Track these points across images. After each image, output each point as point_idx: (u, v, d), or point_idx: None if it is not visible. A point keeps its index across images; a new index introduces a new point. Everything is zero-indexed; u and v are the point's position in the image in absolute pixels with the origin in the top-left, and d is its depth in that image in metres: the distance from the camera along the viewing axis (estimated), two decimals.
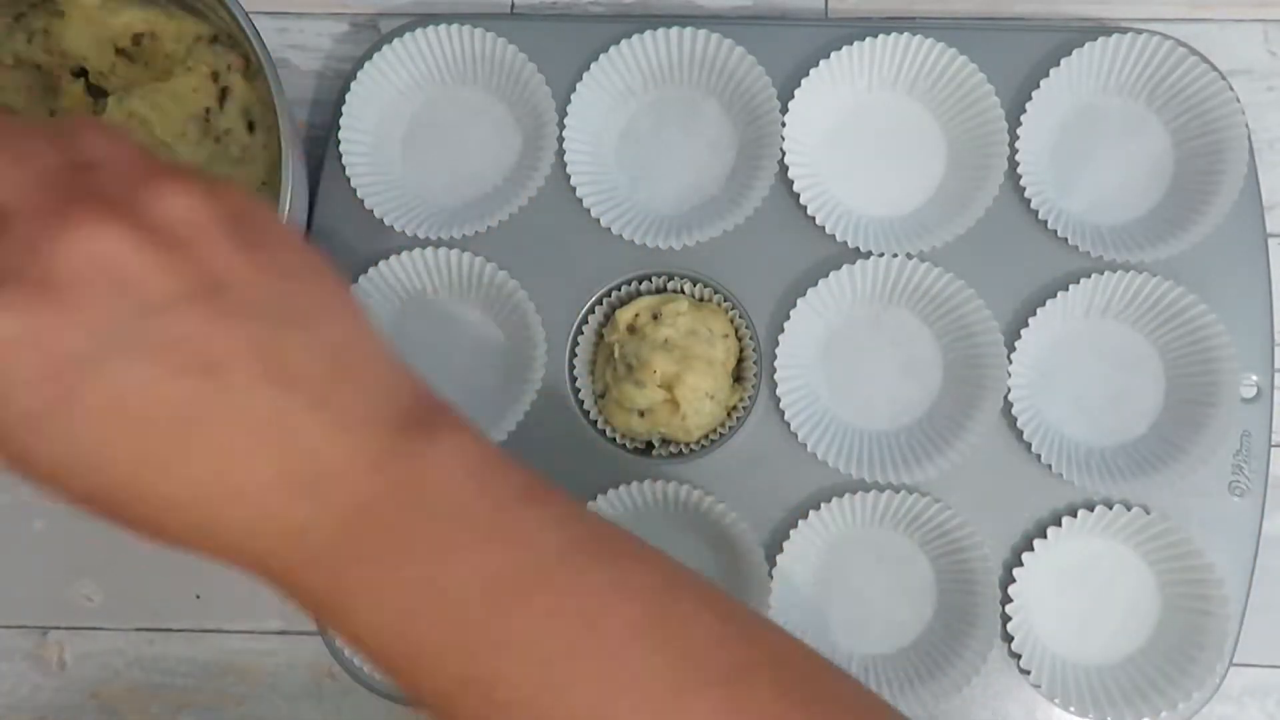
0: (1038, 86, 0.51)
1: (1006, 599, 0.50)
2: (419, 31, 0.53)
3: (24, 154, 0.26)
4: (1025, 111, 0.51)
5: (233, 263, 0.26)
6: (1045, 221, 0.51)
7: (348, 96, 0.52)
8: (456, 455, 0.28)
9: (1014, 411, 0.51)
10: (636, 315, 0.51)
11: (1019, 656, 0.50)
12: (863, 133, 0.53)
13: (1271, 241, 0.51)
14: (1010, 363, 0.51)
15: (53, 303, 0.24)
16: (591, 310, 0.53)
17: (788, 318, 0.51)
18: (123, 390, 0.25)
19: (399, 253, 0.52)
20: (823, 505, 0.51)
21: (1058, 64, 0.51)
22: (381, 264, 0.52)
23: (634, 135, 0.54)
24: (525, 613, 0.28)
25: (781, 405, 0.51)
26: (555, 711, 0.28)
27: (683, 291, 0.53)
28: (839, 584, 0.52)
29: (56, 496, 0.27)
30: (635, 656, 0.28)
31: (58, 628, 0.55)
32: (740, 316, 0.52)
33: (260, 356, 0.26)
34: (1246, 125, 0.50)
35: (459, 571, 0.28)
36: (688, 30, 0.52)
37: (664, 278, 0.53)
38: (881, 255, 0.51)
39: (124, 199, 0.26)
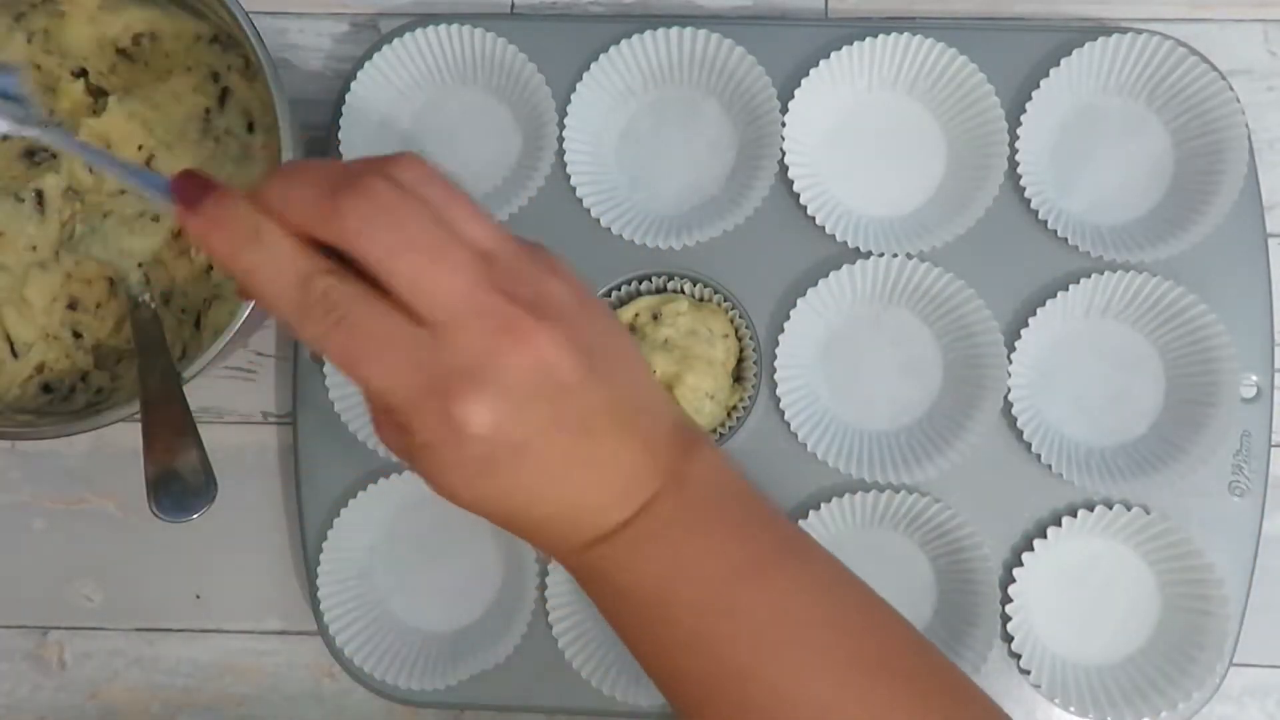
0: (1038, 86, 0.51)
1: (1006, 599, 0.50)
2: (419, 31, 0.53)
3: (454, 264, 0.32)
4: (1025, 111, 0.51)
5: (591, 335, 0.34)
6: (1045, 221, 0.51)
7: (348, 97, 0.52)
8: (710, 466, 0.37)
9: (1014, 411, 0.51)
10: (636, 315, 0.51)
11: (1019, 656, 0.50)
12: (863, 133, 0.53)
13: (1271, 241, 0.51)
14: (1010, 363, 0.51)
15: (510, 404, 0.32)
16: None
17: (788, 318, 0.51)
18: (537, 454, 0.33)
19: None
20: (823, 505, 0.51)
21: (1058, 64, 0.51)
22: None
23: (634, 135, 0.54)
24: (751, 590, 0.36)
25: (781, 405, 0.51)
26: (766, 671, 0.35)
27: (683, 291, 0.53)
28: None
29: (471, 511, 0.35)
30: (833, 642, 0.36)
31: (58, 628, 0.55)
32: (740, 316, 0.52)
33: (611, 412, 0.34)
34: (1246, 125, 0.50)
35: (706, 552, 0.36)
36: (688, 30, 0.52)
37: (664, 278, 0.53)
38: (881, 255, 0.51)
39: (534, 295, 0.33)
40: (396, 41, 0.53)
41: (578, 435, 0.34)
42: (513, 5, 0.56)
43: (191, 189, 0.33)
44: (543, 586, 0.51)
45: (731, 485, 0.38)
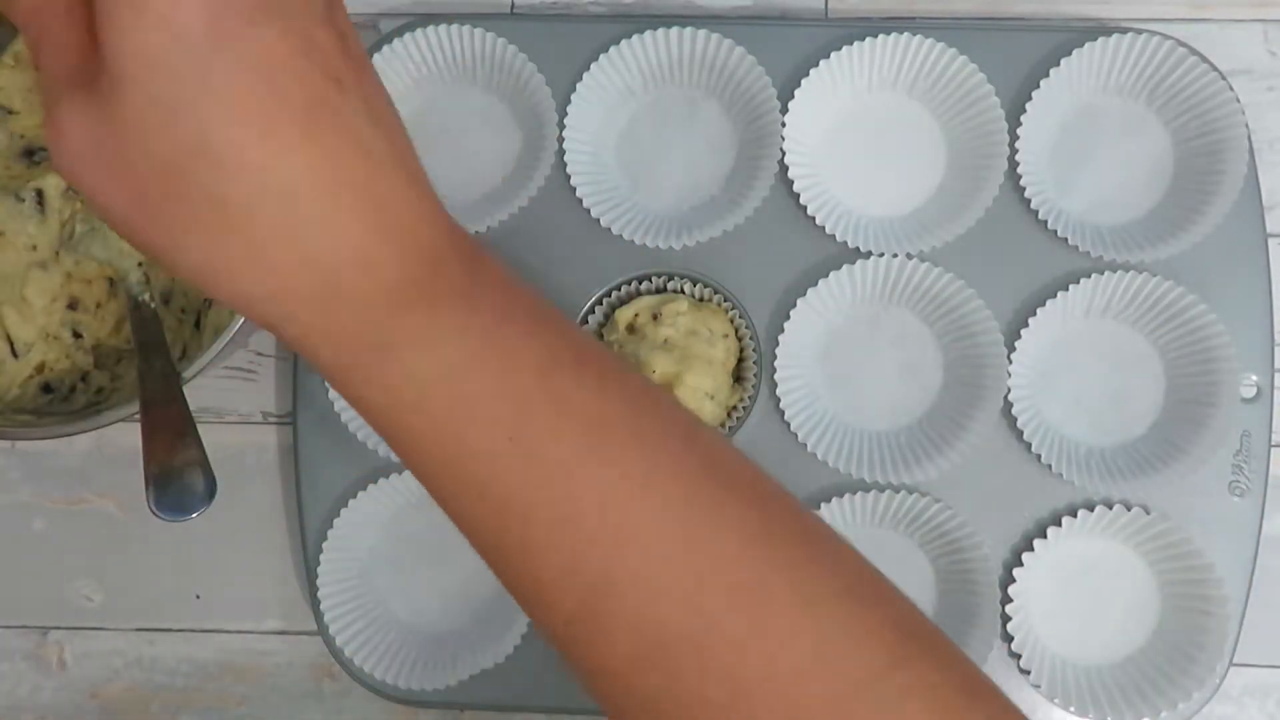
0: (1038, 86, 0.51)
1: (1006, 599, 0.50)
2: (419, 31, 0.53)
3: None
4: (1025, 111, 0.51)
5: (351, 47, 0.27)
6: (1045, 221, 0.51)
7: None
8: (499, 263, 0.30)
9: (1014, 411, 0.51)
10: (636, 315, 0.51)
11: (1019, 656, 0.50)
12: (863, 133, 0.53)
13: (1271, 241, 0.51)
14: (1010, 363, 0.51)
15: None
16: (591, 310, 0.53)
17: (788, 318, 0.51)
18: (274, 52, 0.25)
19: None
20: (823, 505, 0.51)
21: (1058, 64, 0.51)
22: None
23: (634, 135, 0.54)
24: (579, 383, 0.29)
25: (781, 405, 0.51)
26: (598, 479, 0.28)
27: (683, 291, 0.53)
28: None
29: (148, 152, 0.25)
30: (674, 448, 0.30)
31: (58, 628, 0.55)
32: (740, 316, 0.52)
33: (368, 101, 0.27)
34: (1246, 125, 0.50)
35: (518, 334, 0.29)
36: (688, 30, 0.52)
37: (664, 278, 0.53)
38: (881, 255, 0.51)
39: None
40: (396, 41, 0.53)
41: (328, 80, 0.26)
42: (513, 5, 0.56)
43: None
44: None
45: (524, 287, 0.31)
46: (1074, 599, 0.51)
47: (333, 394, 0.51)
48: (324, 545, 0.52)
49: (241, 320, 0.44)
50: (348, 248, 0.27)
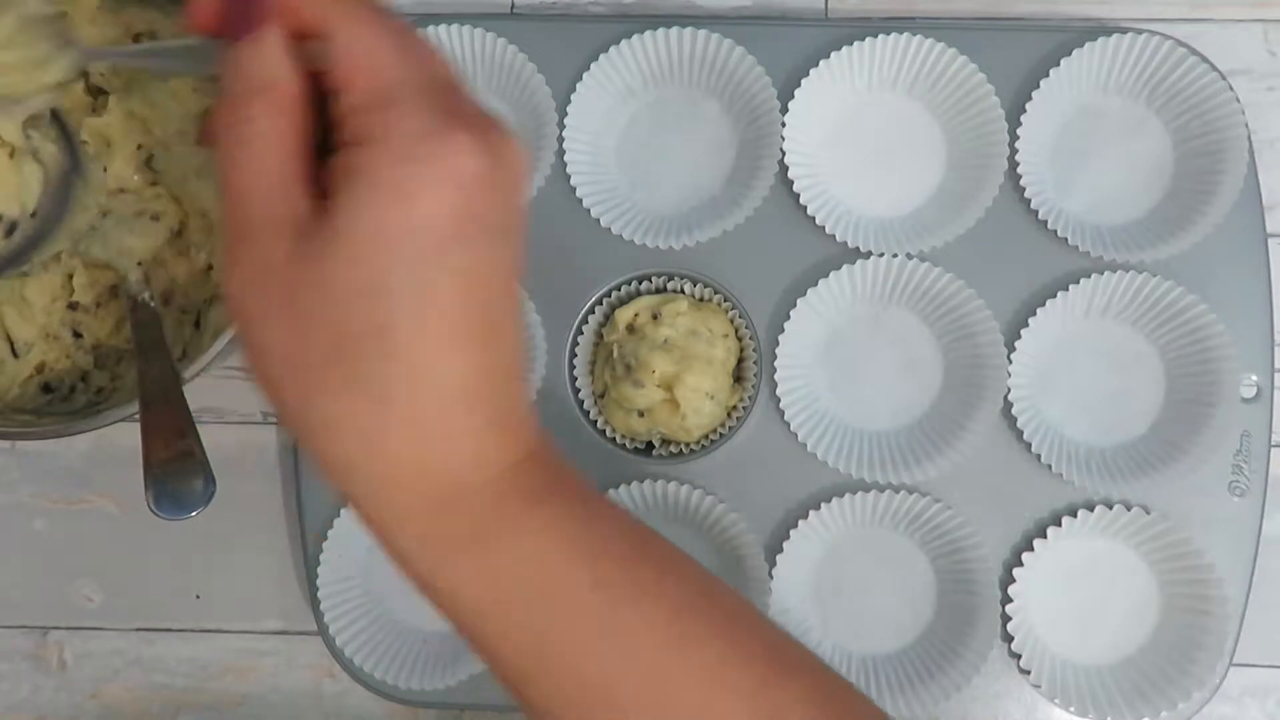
0: (1038, 86, 0.51)
1: (1006, 599, 0.50)
2: (419, 32, 0.53)
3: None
4: (1025, 111, 0.51)
5: (518, 270, 0.30)
6: (1045, 221, 0.51)
7: None
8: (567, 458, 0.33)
9: (1014, 411, 0.51)
10: (636, 315, 0.51)
11: (1019, 656, 0.50)
12: (863, 133, 0.53)
13: (1271, 241, 0.51)
14: (1010, 363, 0.51)
15: (498, 165, 0.28)
16: (591, 310, 0.53)
17: (788, 318, 0.51)
18: (481, 269, 0.28)
19: None
20: (823, 505, 0.51)
21: (1058, 64, 0.51)
22: None
23: (634, 135, 0.54)
24: (658, 573, 0.32)
25: (781, 405, 0.51)
26: (683, 666, 0.31)
27: (683, 291, 0.53)
28: (839, 584, 0.52)
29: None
30: (741, 633, 0.32)
31: (58, 628, 0.55)
32: (740, 316, 0.52)
33: (516, 320, 0.30)
34: (1246, 125, 0.50)
35: (602, 526, 0.32)
36: (688, 30, 0.52)
37: (664, 278, 0.53)
38: (881, 255, 0.51)
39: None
40: None
41: (505, 288, 0.29)
42: (513, 5, 0.56)
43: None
44: None
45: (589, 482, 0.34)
46: (1074, 599, 0.51)
47: None
48: (324, 545, 0.52)
49: None
50: (469, 450, 0.29)
